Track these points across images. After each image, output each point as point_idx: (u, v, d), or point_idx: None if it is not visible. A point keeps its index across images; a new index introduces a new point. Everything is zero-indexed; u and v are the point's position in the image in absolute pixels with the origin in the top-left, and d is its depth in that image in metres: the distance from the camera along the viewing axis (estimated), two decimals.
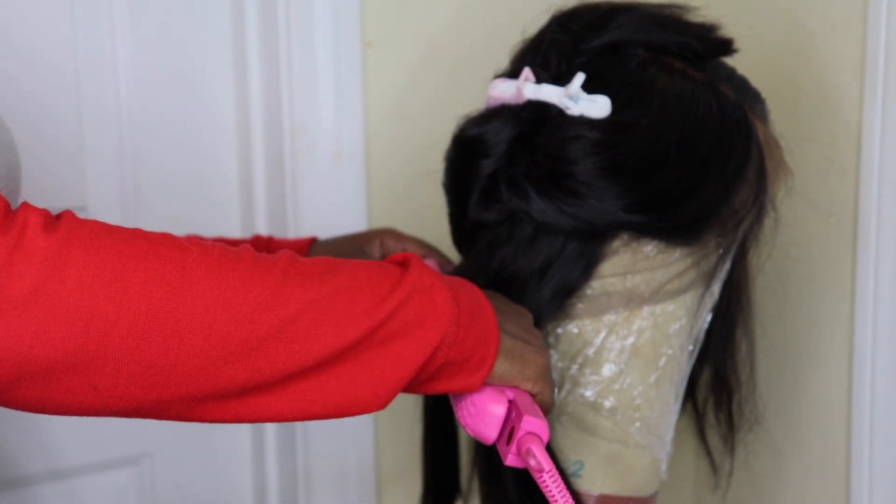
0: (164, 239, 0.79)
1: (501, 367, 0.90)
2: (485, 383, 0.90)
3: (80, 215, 1.37)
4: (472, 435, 0.92)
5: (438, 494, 1.15)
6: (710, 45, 1.02)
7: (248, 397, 0.80)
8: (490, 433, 0.91)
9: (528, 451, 0.87)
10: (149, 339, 0.76)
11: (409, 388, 0.87)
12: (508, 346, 0.90)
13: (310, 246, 1.24)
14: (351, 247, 1.23)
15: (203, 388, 0.78)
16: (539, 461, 0.87)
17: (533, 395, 0.93)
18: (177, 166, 1.46)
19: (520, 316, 0.95)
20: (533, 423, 0.88)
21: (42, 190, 1.35)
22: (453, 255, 1.09)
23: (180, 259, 0.78)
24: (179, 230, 1.44)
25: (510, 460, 0.89)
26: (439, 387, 0.88)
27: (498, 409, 0.90)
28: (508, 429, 0.90)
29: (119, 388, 0.76)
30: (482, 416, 0.90)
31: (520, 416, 0.89)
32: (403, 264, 0.88)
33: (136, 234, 0.78)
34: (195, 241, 0.80)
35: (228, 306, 0.78)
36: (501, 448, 0.90)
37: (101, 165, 1.41)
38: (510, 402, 0.91)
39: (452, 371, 0.87)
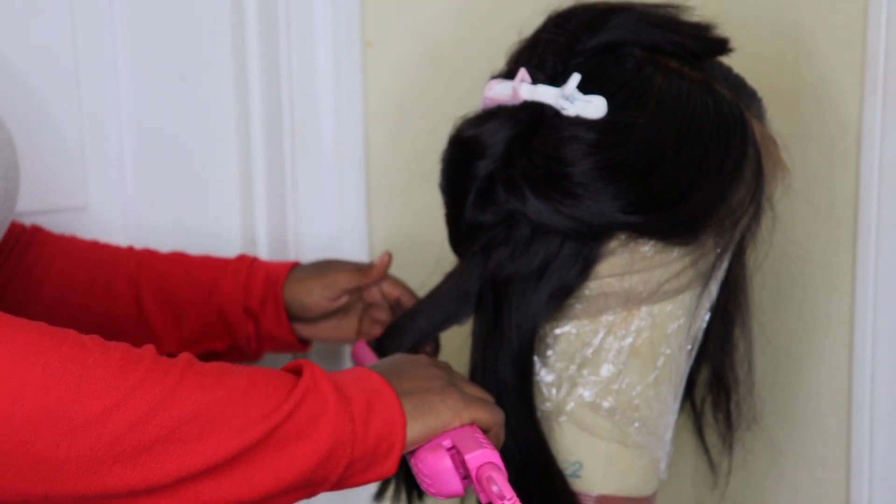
0: (68, 337, 0.80)
1: (415, 430, 0.89)
2: (402, 456, 0.90)
3: (80, 215, 1.39)
4: (445, 499, 0.92)
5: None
6: (705, 44, 1.02)
7: (138, 499, 0.81)
8: (454, 488, 0.91)
9: (490, 479, 0.88)
10: (40, 434, 0.77)
11: (328, 490, 0.88)
12: (411, 407, 0.90)
13: (289, 271, 1.24)
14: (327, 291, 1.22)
15: (91, 486, 0.79)
16: (500, 489, 0.88)
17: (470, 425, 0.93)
18: (177, 166, 1.46)
19: (414, 367, 0.95)
20: (477, 458, 0.89)
21: (42, 190, 1.35)
22: (450, 256, 1.09)
23: (81, 358, 0.79)
24: (179, 230, 1.45)
25: (483, 497, 0.90)
26: (356, 482, 0.88)
27: (445, 464, 0.90)
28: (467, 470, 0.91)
29: (4, 481, 0.77)
30: (438, 478, 0.91)
31: (463, 460, 0.89)
32: (297, 371, 0.89)
33: (41, 331, 0.79)
34: (98, 342, 0.81)
35: (125, 407, 0.79)
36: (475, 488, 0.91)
37: (101, 165, 1.41)
38: (450, 449, 0.91)
39: (362, 466, 0.87)
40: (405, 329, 1.13)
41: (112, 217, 1.42)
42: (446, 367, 0.98)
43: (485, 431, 0.93)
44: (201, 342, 1.22)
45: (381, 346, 1.16)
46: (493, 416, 0.94)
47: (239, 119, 1.46)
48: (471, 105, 1.05)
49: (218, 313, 1.21)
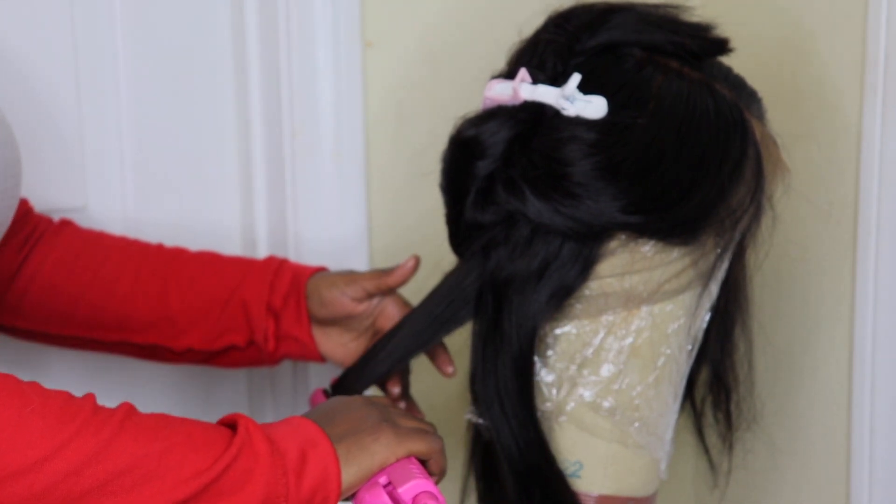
0: (7, 384, 0.81)
1: (350, 473, 0.90)
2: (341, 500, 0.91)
3: (80, 215, 1.39)
4: None
5: None
6: (705, 44, 1.02)
7: None
8: None
9: None
10: None
11: None
12: (344, 451, 0.91)
13: (312, 275, 1.22)
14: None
15: None
16: None
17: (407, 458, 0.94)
18: (177, 166, 1.45)
19: (347, 409, 0.96)
20: (411, 490, 0.91)
21: (42, 190, 1.35)
22: (450, 257, 1.09)
23: (19, 406, 0.80)
24: (179, 230, 1.45)
25: None
26: None
27: (382, 501, 0.91)
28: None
29: None
30: None
31: (398, 495, 0.91)
32: (232, 425, 0.89)
33: None
34: (38, 390, 0.82)
35: (59, 457, 0.79)
36: None
37: (101, 165, 1.41)
38: (387, 486, 0.92)
39: None
40: (378, 355, 1.13)
41: (112, 217, 1.42)
42: (383, 405, 0.99)
43: (425, 461, 0.95)
44: (224, 336, 1.21)
45: (340, 389, 1.16)
46: (430, 445, 0.95)
47: (239, 119, 1.47)
48: (471, 105, 1.05)
49: (241, 308, 1.21)
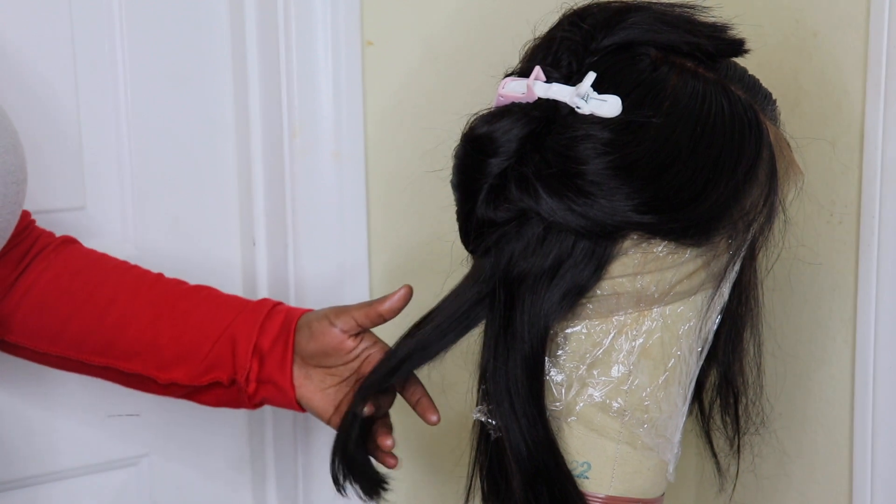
0: None
1: None
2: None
3: (79, 216, 1.39)
4: None
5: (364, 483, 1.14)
6: (721, 45, 1.02)
7: None
8: None
9: None
10: None
11: None
12: None
13: (305, 313, 1.21)
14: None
15: None
16: None
17: None
18: (177, 166, 1.45)
19: None
20: None
21: (42, 190, 1.34)
22: (449, 256, 1.08)
23: None
24: (178, 230, 1.44)
25: None
26: None
27: None
28: None
29: None
30: None
31: None
32: None
33: None
34: None
35: None
36: None
37: (101, 165, 1.41)
38: None
39: None
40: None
41: (110, 217, 1.42)
42: None
43: None
44: (210, 372, 1.20)
45: None
46: None
47: (238, 119, 1.46)
48: (471, 104, 1.05)
49: (230, 345, 1.19)
